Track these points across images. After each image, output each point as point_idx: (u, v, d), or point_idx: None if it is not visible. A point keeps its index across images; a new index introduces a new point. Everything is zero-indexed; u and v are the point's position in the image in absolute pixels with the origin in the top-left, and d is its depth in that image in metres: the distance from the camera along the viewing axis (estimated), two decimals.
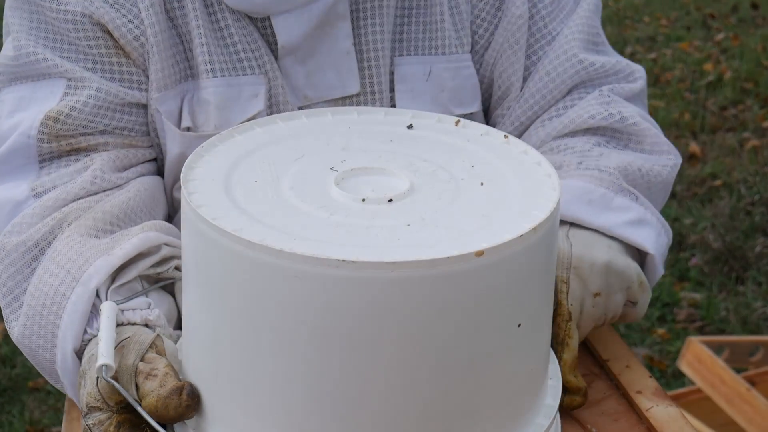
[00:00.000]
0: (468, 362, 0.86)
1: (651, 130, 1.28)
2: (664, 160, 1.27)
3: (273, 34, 1.25)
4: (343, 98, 1.27)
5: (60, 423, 1.98)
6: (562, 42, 1.31)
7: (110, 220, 1.16)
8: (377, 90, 1.27)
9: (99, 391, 0.97)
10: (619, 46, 5.27)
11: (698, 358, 2.31)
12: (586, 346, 1.21)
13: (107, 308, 1.01)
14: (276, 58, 1.26)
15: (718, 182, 4.03)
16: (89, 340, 1.06)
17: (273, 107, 1.26)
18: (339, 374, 0.85)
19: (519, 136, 1.32)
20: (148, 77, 1.24)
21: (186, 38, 1.25)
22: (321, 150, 1.00)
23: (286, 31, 1.24)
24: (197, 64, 1.24)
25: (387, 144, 1.01)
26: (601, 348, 1.19)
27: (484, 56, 1.33)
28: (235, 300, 0.86)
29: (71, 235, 1.12)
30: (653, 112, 4.60)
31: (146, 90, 1.24)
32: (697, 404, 2.30)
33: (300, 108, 1.27)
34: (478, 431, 0.90)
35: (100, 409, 0.97)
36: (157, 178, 1.28)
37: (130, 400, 0.94)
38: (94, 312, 1.06)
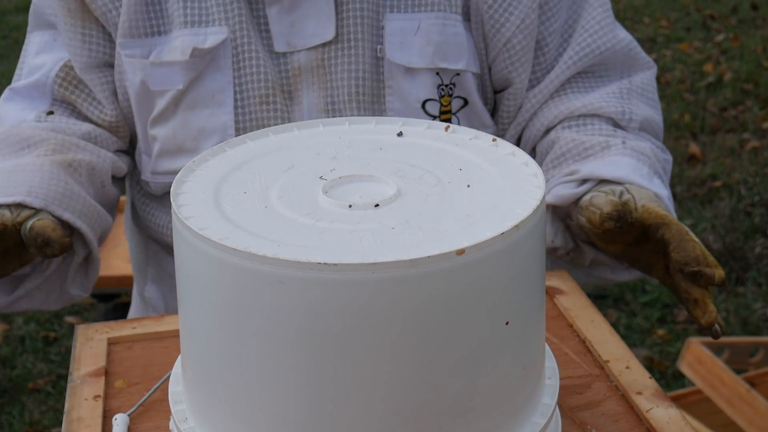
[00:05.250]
0: (456, 361, 0.86)
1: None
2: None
3: None
4: (323, 45, 1.37)
5: (60, 424, 1.98)
6: (593, 13, 1.45)
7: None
8: (353, 39, 1.37)
9: None
10: None
11: (698, 359, 2.31)
12: (585, 346, 1.21)
13: None
14: (262, 7, 1.37)
15: (718, 183, 4.04)
16: None
17: (239, 55, 1.36)
18: (326, 377, 0.85)
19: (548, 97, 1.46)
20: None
21: None
22: (311, 160, 1.01)
23: None
24: (172, 19, 1.36)
25: (376, 152, 1.02)
26: (601, 349, 1.19)
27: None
28: (224, 307, 0.87)
29: None
30: None
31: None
32: (697, 405, 2.30)
33: (281, 53, 1.37)
34: (472, 430, 0.90)
35: None
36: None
37: None
38: None
